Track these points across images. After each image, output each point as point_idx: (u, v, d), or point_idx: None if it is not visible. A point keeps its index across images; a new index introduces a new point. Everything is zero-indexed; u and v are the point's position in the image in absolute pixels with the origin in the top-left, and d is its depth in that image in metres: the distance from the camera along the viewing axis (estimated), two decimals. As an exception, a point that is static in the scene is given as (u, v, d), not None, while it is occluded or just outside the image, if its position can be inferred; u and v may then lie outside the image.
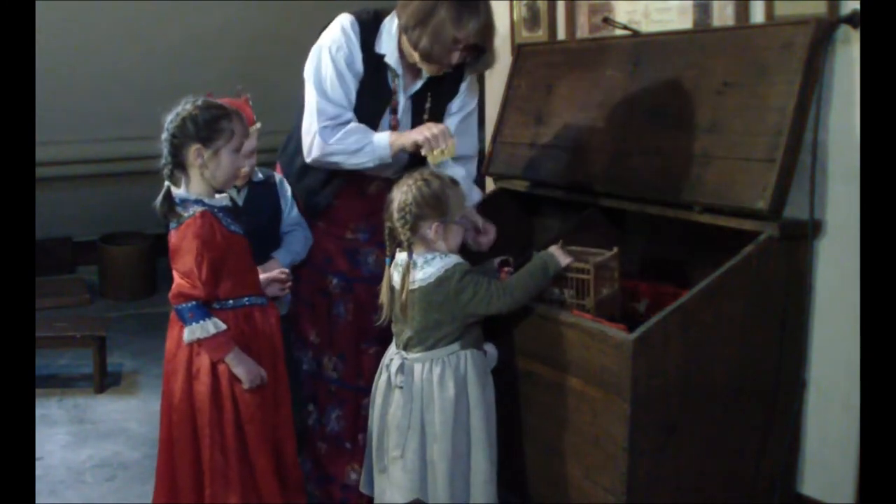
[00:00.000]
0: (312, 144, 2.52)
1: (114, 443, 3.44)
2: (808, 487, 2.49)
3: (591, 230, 2.80)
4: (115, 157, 5.27)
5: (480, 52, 2.49)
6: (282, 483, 2.35)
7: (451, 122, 2.64)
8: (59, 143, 5.05)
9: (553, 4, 3.33)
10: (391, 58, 2.52)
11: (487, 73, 3.77)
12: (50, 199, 5.13)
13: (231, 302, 2.27)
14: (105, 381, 4.06)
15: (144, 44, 4.89)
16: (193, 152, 2.22)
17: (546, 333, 2.34)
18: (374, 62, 2.53)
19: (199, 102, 2.25)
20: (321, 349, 2.72)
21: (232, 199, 2.45)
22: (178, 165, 2.25)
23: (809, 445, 2.48)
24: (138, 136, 4.61)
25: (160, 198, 2.24)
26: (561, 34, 3.31)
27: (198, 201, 2.24)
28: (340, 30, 2.52)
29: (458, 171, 2.57)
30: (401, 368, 2.32)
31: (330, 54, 2.51)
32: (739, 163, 2.35)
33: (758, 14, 2.54)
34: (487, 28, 2.43)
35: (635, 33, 2.87)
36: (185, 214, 2.23)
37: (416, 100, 2.60)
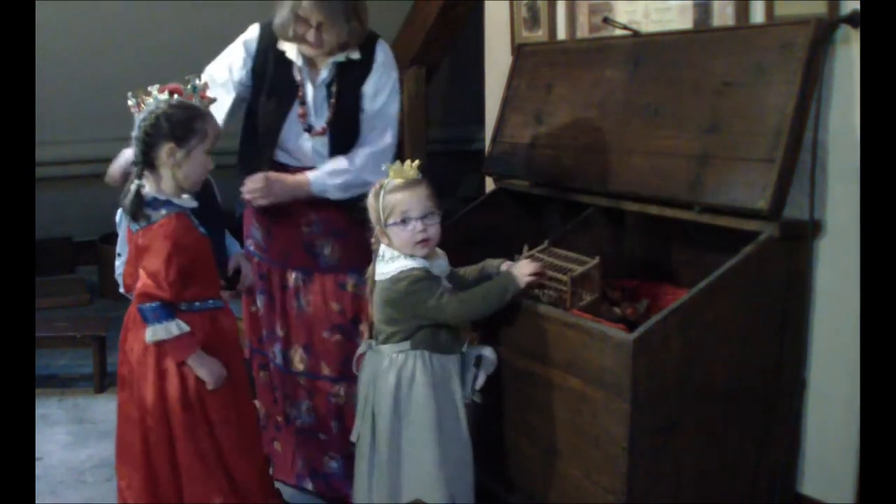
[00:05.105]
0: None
1: (114, 443, 3.43)
2: (808, 487, 2.49)
3: (591, 230, 2.80)
4: (115, 157, 5.26)
5: (337, 29, 2.54)
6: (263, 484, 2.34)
7: (371, 105, 2.66)
8: (59, 143, 5.05)
9: (553, 4, 3.33)
10: (291, 52, 2.63)
11: (487, 73, 3.79)
12: (50, 199, 5.12)
13: (198, 304, 2.25)
14: (105, 381, 4.06)
15: (144, 44, 4.89)
16: (167, 151, 2.19)
17: (546, 333, 2.34)
18: (279, 62, 2.65)
19: (174, 101, 2.22)
20: (287, 342, 2.78)
21: None
22: (148, 164, 2.22)
23: (809, 445, 2.48)
24: (138, 136, 4.61)
25: (131, 196, 2.20)
26: (561, 34, 3.31)
27: (168, 202, 2.21)
28: (240, 38, 2.73)
29: (340, 162, 2.62)
30: (361, 357, 2.41)
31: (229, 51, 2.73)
32: (739, 163, 2.35)
33: (758, 14, 2.54)
34: (323, 4, 2.48)
35: (635, 33, 2.87)
36: (156, 215, 2.19)
37: (329, 89, 2.66)
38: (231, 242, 2.67)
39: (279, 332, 2.79)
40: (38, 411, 3.65)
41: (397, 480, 2.33)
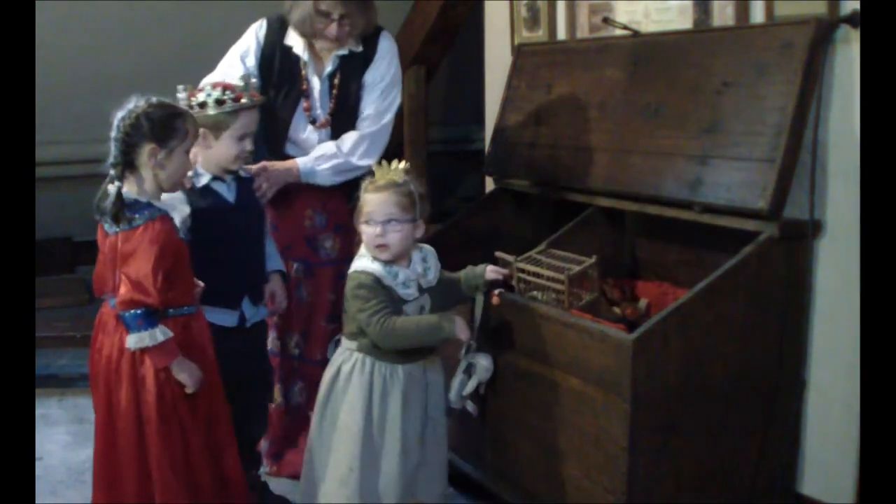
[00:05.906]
0: None
1: (114, 443, 3.44)
2: (808, 487, 2.49)
3: (591, 230, 2.80)
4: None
5: (357, 20, 2.61)
6: (224, 492, 2.31)
7: (369, 94, 2.71)
8: (59, 143, 5.05)
9: (553, 4, 3.33)
10: (298, 47, 2.70)
11: (487, 73, 3.79)
12: (50, 199, 5.12)
13: (172, 311, 2.18)
14: (105, 380, 4.06)
15: (145, 44, 4.89)
16: (148, 152, 2.14)
17: (546, 333, 2.34)
18: (285, 56, 2.72)
19: (153, 100, 2.18)
20: (284, 329, 2.85)
21: (222, 195, 2.44)
22: (128, 165, 2.15)
23: (809, 445, 2.48)
24: (138, 136, 4.61)
25: (112, 199, 2.11)
26: (561, 34, 3.31)
27: (149, 205, 2.16)
28: (248, 31, 2.79)
29: (328, 147, 2.68)
30: (338, 341, 2.45)
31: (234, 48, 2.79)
32: (739, 163, 2.34)
33: (758, 14, 2.54)
34: None
35: (635, 33, 2.87)
36: (139, 218, 2.12)
37: (332, 81, 2.73)
38: (272, 253, 2.62)
39: (275, 319, 2.84)
40: (38, 411, 3.64)
41: (317, 471, 2.36)
